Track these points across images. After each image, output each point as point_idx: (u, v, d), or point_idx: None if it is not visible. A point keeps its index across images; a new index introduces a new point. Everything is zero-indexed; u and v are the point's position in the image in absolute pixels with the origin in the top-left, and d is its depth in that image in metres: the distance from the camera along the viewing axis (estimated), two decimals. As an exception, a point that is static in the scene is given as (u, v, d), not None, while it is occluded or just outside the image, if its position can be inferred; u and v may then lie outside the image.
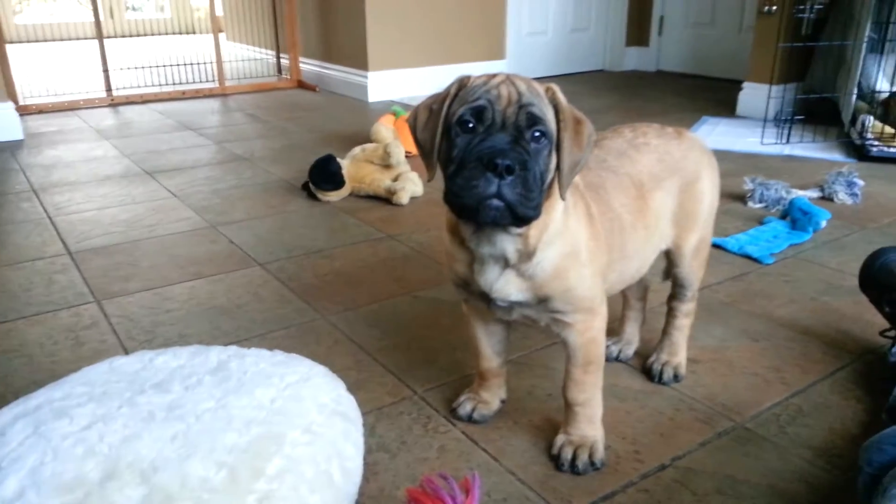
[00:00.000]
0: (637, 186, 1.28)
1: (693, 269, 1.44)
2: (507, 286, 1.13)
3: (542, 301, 1.15)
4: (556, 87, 1.06)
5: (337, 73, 5.00)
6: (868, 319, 1.72)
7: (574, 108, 1.08)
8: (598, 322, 1.21)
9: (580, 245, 1.14)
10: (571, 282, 1.13)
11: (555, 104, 1.05)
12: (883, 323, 1.61)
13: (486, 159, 0.97)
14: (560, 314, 1.17)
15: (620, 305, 1.60)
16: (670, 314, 1.51)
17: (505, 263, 1.12)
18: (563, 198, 1.06)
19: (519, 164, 0.97)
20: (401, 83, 4.78)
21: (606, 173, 1.26)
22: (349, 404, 1.21)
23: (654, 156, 1.33)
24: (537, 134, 1.01)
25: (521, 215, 1.00)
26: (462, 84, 1.06)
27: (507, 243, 1.10)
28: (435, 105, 1.07)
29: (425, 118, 1.08)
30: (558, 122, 1.04)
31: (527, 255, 1.11)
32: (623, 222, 1.25)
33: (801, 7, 3.62)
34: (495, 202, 0.98)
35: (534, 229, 1.08)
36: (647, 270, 1.39)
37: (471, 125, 1.01)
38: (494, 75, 1.05)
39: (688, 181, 1.36)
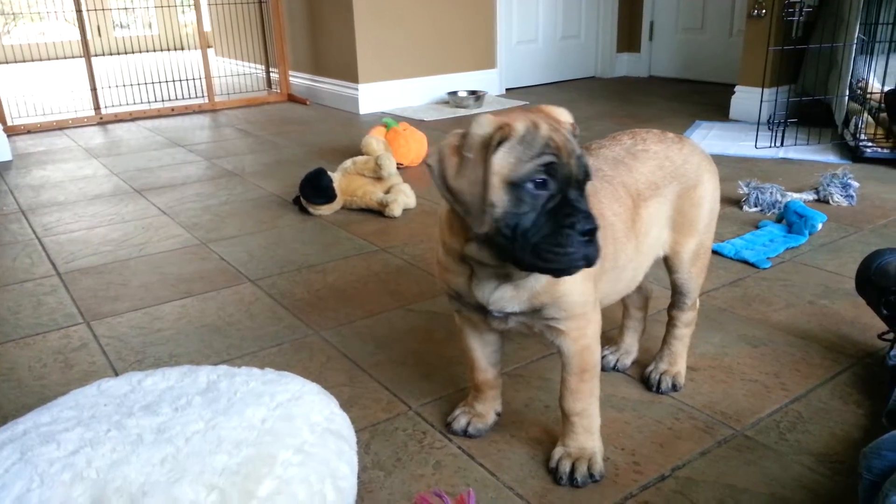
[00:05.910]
0: (633, 196, 1.28)
1: (692, 276, 1.42)
2: (503, 298, 1.13)
3: (537, 310, 1.14)
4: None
5: (327, 86, 4.99)
6: (866, 322, 1.71)
7: None
8: (592, 329, 1.20)
9: None
10: (564, 288, 1.13)
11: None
12: (881, 325, 1.60)
13: (579, 226, 0.98)
14: (554, 321, 1.16)
15: (620, 314, 1.58)
16: (670, 323, 1.49)
17: (506, 278, 1.11)
18: None
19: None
20: (392, 95, 4.77)
21: (601, 183, 1.25)
22: (342, 422, 1.19)
23: (653, 162, 1.32)
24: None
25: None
26: (504, 133, 1.00)
27: None
28: (469, 153, 1.00)
29: (456, 165, 1.01)
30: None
31: None
32: (615, 231, 1.24)
33: (791, 10, 3.62)
34: (582, 263, 1.00)
35: None
36: (641, 279, 1.38)
37: (543, 181, 0.99)
38: (535, 119, 1.02)
39: (687, 186, 1.35)
